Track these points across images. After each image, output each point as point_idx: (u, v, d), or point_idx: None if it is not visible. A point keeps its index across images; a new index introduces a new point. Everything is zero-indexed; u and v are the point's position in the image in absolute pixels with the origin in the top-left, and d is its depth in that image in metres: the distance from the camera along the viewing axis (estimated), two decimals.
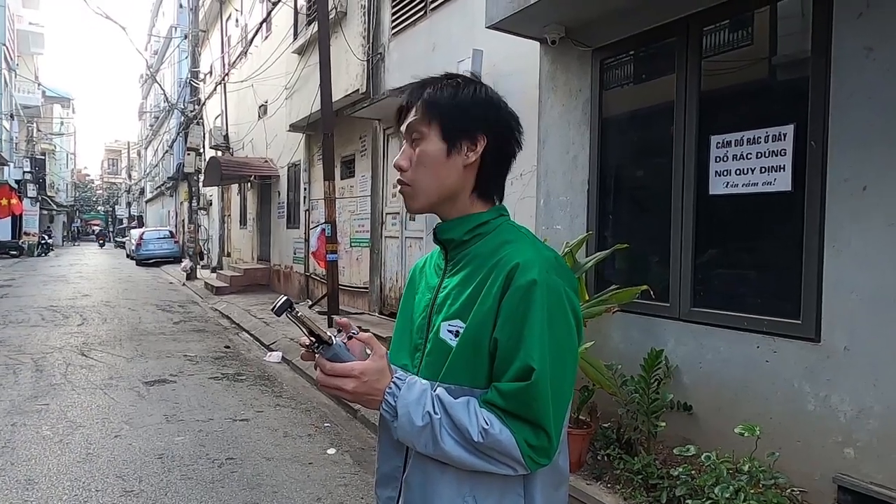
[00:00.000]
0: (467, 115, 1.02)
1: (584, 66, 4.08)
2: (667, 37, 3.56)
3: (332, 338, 0.97)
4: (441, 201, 1.05)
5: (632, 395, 3.33)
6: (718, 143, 3.22)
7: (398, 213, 7.72)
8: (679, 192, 3.44)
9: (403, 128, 1.06)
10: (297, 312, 0.94)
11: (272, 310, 0.96)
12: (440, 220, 1.09)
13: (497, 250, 1.01)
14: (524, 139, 1.09)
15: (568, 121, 4.16)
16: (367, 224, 8.56)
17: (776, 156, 2.95)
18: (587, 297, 3.58)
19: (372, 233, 8.38)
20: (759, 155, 3.02)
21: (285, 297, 0.94)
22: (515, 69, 5.04)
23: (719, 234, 3.39)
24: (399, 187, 1.07)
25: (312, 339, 0.96)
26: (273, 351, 7.13)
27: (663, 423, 3.24)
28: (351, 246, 9.12)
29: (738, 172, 3.12)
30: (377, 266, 8.25)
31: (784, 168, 2.93)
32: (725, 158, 3.18)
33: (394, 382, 0.96)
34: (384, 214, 8.12)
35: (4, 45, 21.67)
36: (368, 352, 0.99)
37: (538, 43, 4.40)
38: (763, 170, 3.01)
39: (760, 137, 3.02)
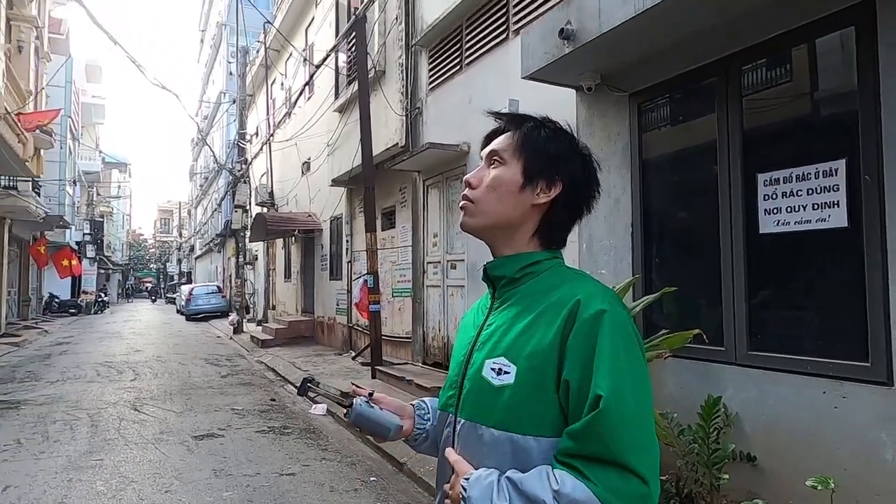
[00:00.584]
0: (555, 159, 1.03)
1: (621, 110, 4.10)
2: (704, 78, 3.56)
3: (353, 400, 1.07)
4: (497, 229, 1.04)
5: (690, 446, 3.17)
6: (766, 180, 3.15)
7: (439, 262, 7.76)
8: (728, 232, 3.35)
9: (486, 151, 1.08)
10: (318, 386, 1.07)
11: (298, 393, 1.11)
12: (490, 260, 1.09)
13: (552, 289, 0.98)
14: (596, 203, 1.10)
15: (608, 165, 4.16)
16: (408, 274, 8.63)
17: (829, 192, 2.87)
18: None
19: (413, 282, 8.43)
20: (811, 191, 2.94)
21: (303, 378, 1.06)
22: (552, 116, 5.11)
23: (773, 274, 3.26)
24: (461, 203, 1.08)
25: (345, 406, 1.07)
26: (318, 403, 7.11)
27: (726, 476, 3.06)
28: (393, 296, 9.18)
29: (789, 210, 3.04)
30: (419, 316, 8.25)
31: (838, 204, 2.83)
32: (774, 196, 3.10)
33: (462, 486, 0.92)
34: (425, 264, 8.18)
35: (70, 117, 23.32)
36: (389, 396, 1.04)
37: (574, 90, 4.46)
38: (816, 206, 2.92)
39: (810, 174, 2.94)
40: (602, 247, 4.23)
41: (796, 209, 3.01)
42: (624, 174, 4.07)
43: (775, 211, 3.10)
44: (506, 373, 0.94)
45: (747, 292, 3.27)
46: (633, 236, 4.02)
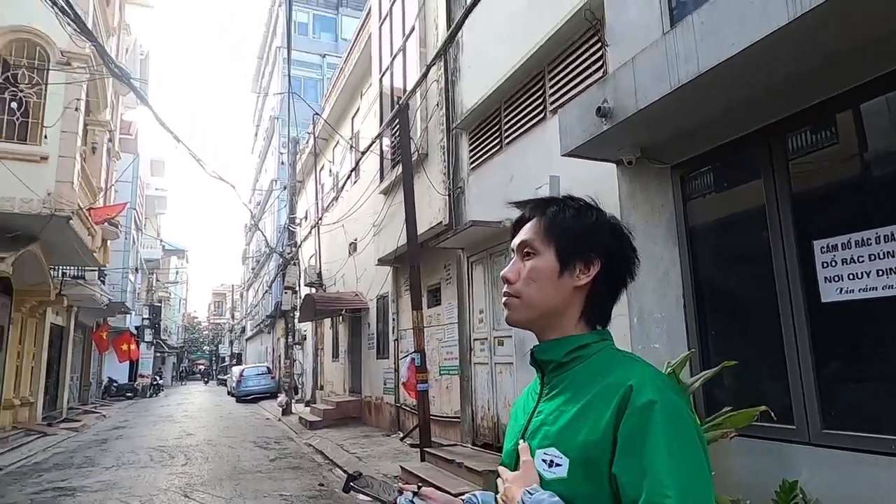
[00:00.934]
0: (586, 238, 1.02)
1: (663, 183, 4.10)
2: (747, 146, 3.55)
3: (398, 497, 1.09)
4: (544, 318, 1.03)
5: None
6: (823, 247, 3.04)
7: (486, 338, 7.67)
8: (787, 302, 3.21)
9: (517, 242, 1.07)
10: (361, 480, 1.13)
11: (343, 490, 1.15)
12: (537, 342, 1.07)
13: (602, 374, 0.95)
14: (637, 269, 1.08)
15: (653, 237, 4.11)
16: (455, 351, 8.54)
17: (893, 257, 2.74)
18: (699, 422, 3.29)
19: (461, 360, 8.32)
20: (873, 257, 2.81)
21: (347, 475, 1.12)
22: (594, 190, 5.11)
23: (842, 345, 3.08)
24: (504, 297, 1.06)
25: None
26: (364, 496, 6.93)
27: None
28: (440, 374, 9.06)
29: (851, 277, 2.90)
30: (468, 394, 8.08)
31: None
32: (834, 263, 2.98)
33: (522, 498, 0.91)
34: (472, 341, 8.09)
35: (135, 209, 24.94)
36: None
37: (614, 164, 4.50)
38: (880, 273, 2.78)
39: (870, 239, 2.83)
40: (653, 320, 4.11)
41: (859, 276, 2.87)
42: (671, 246, 4.00)
43: (836, 279, 2.97)
44: (557, 465, 0.91)
45: (815, 365, 3.09)
46: (685, 308, 3.89)
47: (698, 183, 4.02)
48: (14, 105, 9.70)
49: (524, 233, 1.07)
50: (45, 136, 9.87)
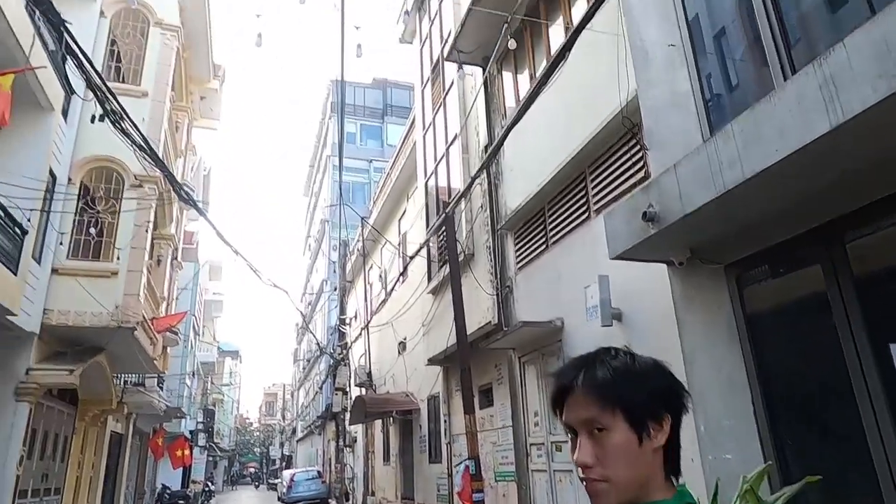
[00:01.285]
0: (647, 395, 0.96)
1: (717, 283, 4.01)
2: (802, 246, 3.47)
3: None
4: (635, 491, 0.95)
5: None
6: None
7: (543, 443, 7.35)
8: (869, 411, 3.00)
9: (579, 421, 0.98)
10: None
11: None
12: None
13: None
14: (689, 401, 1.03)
15: (713, 339, 3.98)
16: (510, 455, 8.19)
17: None
18: None
19: (517, 466, 7.95)
20: None
21: None
22: (645, 288, 5.07)
23: None
24: (586, 483, 0.97)
25: None
26: None
27: None
28: (496, 480, 8.64)
29: None
30: (526, 503, 7.64)
31: None
32: None
33: None
34: (528, 446, 7.76)
35: (194, 315, 25.88)
36: None
37: (665, 264, 4.46)
38: None
39: None
40: (722, 429, 3.87)
41: None
42: (733, 348, 3.85)
43: None
44: None
45: None
46: (756, 415, 3.67)
47: (758, 284, 3.89)
48: (92, 229, 10.51)
49: (581, 408, 0.98)
50: (118, 258, 10.57)
